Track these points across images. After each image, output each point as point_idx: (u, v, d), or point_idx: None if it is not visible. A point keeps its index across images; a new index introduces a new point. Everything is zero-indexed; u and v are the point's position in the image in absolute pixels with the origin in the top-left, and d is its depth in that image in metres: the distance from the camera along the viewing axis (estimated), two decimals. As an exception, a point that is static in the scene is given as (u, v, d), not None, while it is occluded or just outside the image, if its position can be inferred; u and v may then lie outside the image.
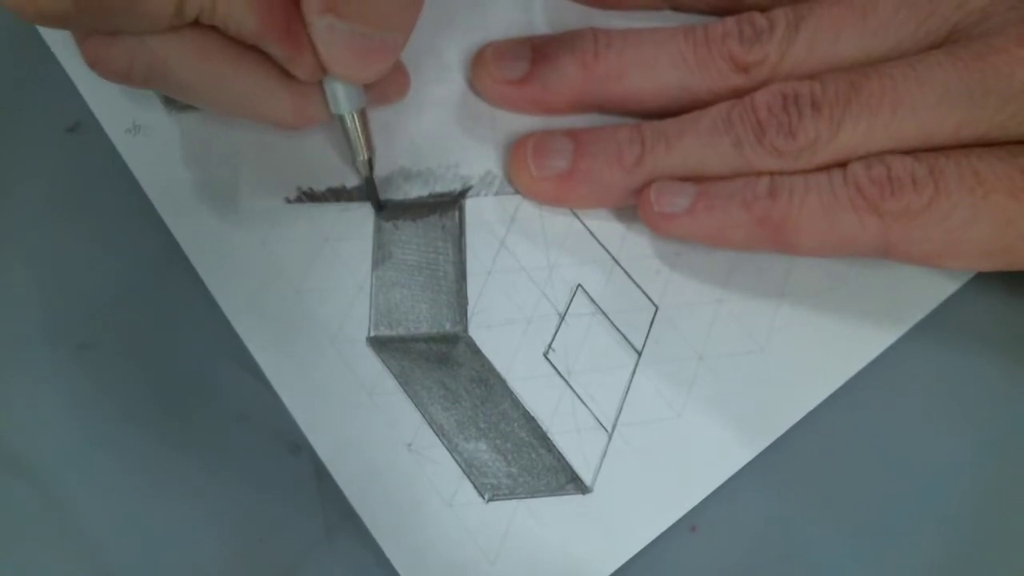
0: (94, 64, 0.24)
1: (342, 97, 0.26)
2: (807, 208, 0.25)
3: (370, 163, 0.27)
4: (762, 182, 0.25)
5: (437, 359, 0.27)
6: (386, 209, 0.28)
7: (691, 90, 0.27)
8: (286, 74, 0.25)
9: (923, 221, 0.24)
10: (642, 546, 0.25)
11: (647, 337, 0.27)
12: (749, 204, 0.25)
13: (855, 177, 0.25)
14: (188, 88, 0.25)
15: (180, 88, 0.25)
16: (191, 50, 0.24)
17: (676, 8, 0.30)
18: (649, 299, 0.28)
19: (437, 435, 0.26)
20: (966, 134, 0.25)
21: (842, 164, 0.25)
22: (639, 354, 0.27)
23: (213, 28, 0.23)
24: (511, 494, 0.26)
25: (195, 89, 0.25)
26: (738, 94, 0.26)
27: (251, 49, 0.24)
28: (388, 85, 0.28)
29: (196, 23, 0.23)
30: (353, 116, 0.26)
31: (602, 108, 0.29)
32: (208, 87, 0.25)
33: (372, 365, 0.27)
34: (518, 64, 0.28)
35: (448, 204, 0.29)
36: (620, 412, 0.26)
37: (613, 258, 0.28)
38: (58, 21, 0.22)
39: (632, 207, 0.27)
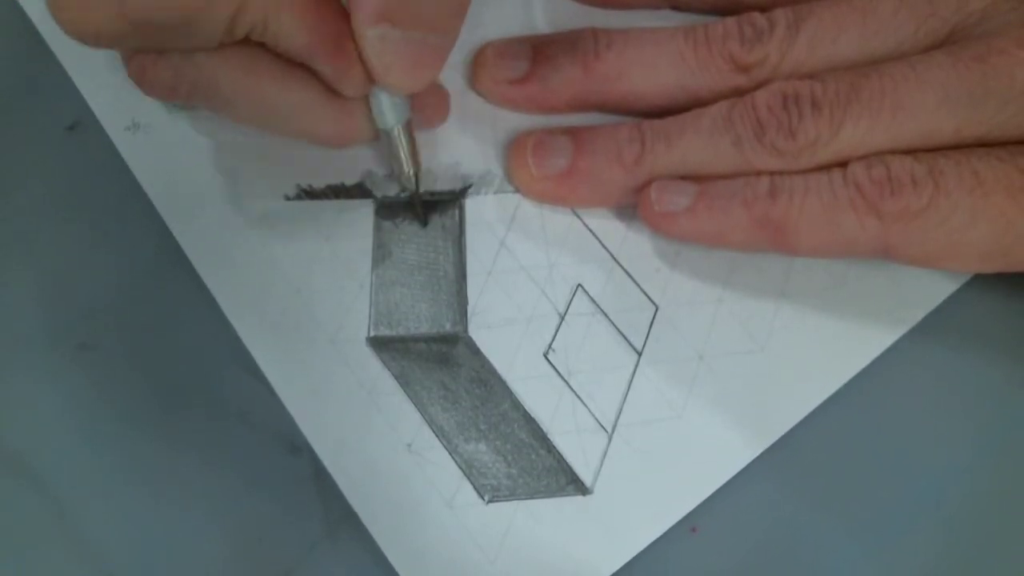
0: (140, 80, 0.24)
1: (388, 110, 0.26)
2: (807, 209, 0.25)
3: (416, 177, 0.27)
4: (762, 182, 0.25)
5: (437, 359, 0.27)
6: (387, 208, 0.28)
7: (691, 90, 0.27)
8: (330, 91, 0.25)
9: (922, 222, 0.24)
10: (642, 547, 0.25)
11: (647, 337, 0.27)
12: (749, 204, 0.25)
13: (855, 177, 0.25)
14: (232, 105, 0.25)
15: (224, 104, 0.25)
16: (237, 67, 0.24)
17: (676, 7, 0.30)
18: (649, 299, 0.28)
19: (437, 436, 0.26)
20: (966, 135, 0.25)
21: (842, 164, 0.25)
22: (639, 354, 0.27)
23: (261, 45, 0.23)
24: (511, 495, 0.26)
25: (239, 106, 0.25)
26: (738, 94, 0.26)
27: (297, 66, 0.24)
28: (430, 107, 0.28)
29: (244, 40, 0.23)
30: (399, 130, 0.26)
31: (602, 108, 0.29)
32: (252, 104, 0.25)
33: (372, 365, 0.27)
34: (518, 64, 0.28)
35: (448, 203, 0.29)
36: (620, 412, 0.26)
37: (613, 257, 0.28)
38: (112, 41, 0.22)
39: (632, 206, 0.27)
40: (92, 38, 0.22)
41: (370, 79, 0.24)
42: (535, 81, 0.28)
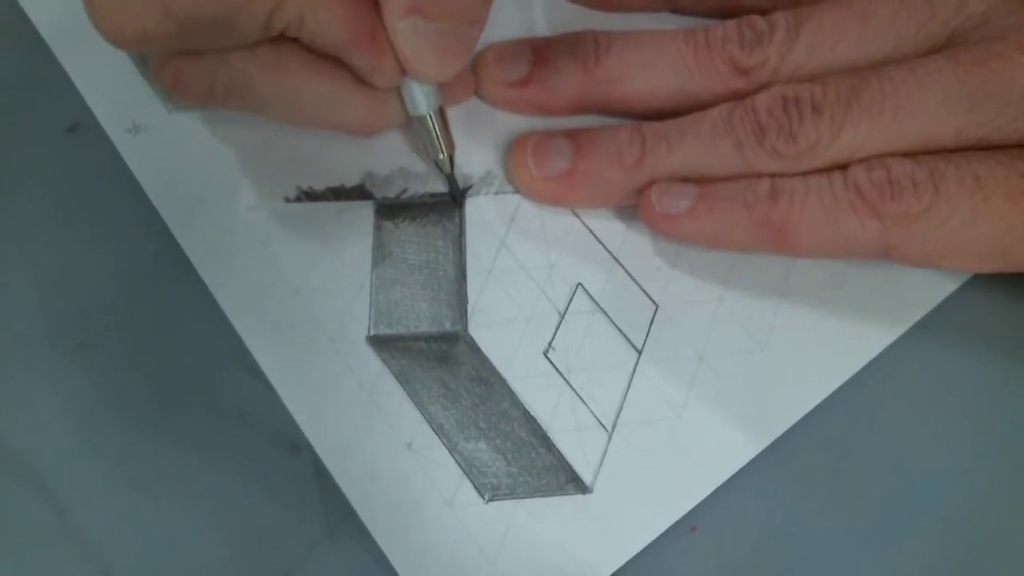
0: (175, 86, 0.25)
1: (420, 98, 0.26)
2: (807, 211, 0.25)
3: (451, 160, 0.27)
4: (763, 184, 0.25)
5: (437, 358, 0.27)
6: (387, 208, 0.28)
7: (691, 93, 0.27)
8: (362, 81, 0.25)
9: (923, 224, 0.24)
10: (642, 546, 0.25)
11: (647, 336, 0.27)
12: (750, 206, 0.25)
13: (855, 180, 0.25)
14: (267, 102, 0.25)
15: (259, 103, 0.26)
16: (271, 65, 0.24)
17: (675, 11, 0.30)
18: (649, 298, 0.28)
19: (437, 435, 0.26)
20: (966, 137, 0.25)
21: (842, 167, 0.25)
22: (639, 353, 0.27)
23: (294, 41, 0.24)
24: (511, 494, 0.26)
25: (274, 102, 0.25)
26: (738, 97, 0.26)
27: (328, 59, 0.24)
28: (456, 84, 0.28)
29: (277, 37, 0.24)
30: (432, 116, 0.26)
31: (602, 110, 0.29)
32: (287, 100, 0.25)
33: (372, 365, 0.27)
34: (518, 66, 0.28)
35: (448, 203, 0.29)
36: (620, 411, 0.26)
37: (613, 257, 0.28)
38: (156, 42, 0.23)
39: (632, 206, 0.27)
40: (135, 42, 0.22)
41: (402, 70, 0.25)
42: (535, 84, 0.28)
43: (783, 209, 0.25)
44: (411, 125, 0.27)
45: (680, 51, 0.27)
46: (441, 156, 0.27)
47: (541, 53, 0.28)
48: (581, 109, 0.29)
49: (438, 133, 0.27)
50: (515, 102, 0.29)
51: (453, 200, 0.29)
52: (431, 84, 0.26)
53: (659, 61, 0.27)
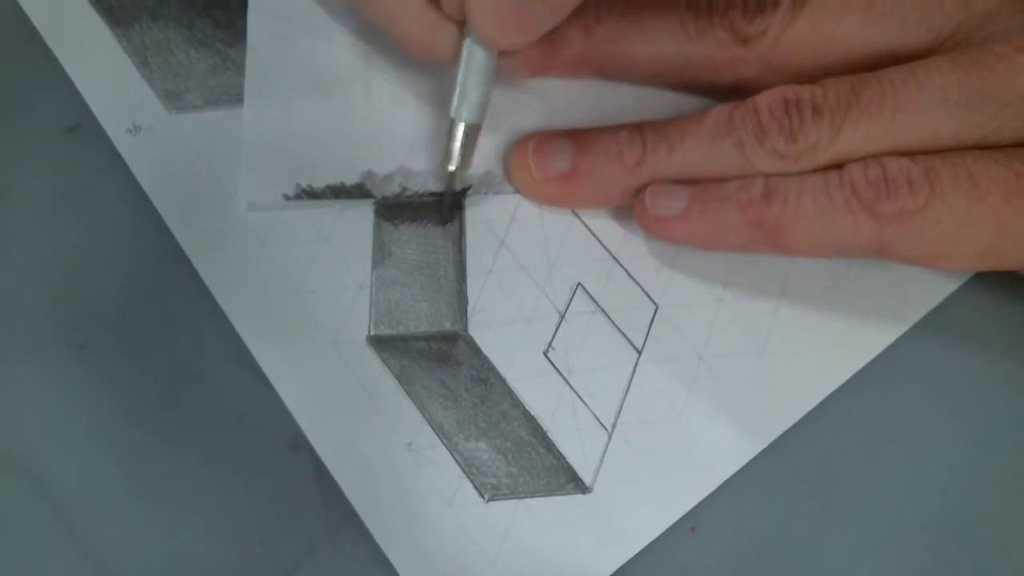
0: None
1: (466, 100, 0.26)
2: (802, 211, 0.25)
3: (454, 176, 0.27)
4: (757, 184, 0.25)
5: (437, 358, 0.27)
6: (387, 208, 0.28)
7: (690, 58, 0.27)
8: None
9: (918, 223, 0.24)
10: (642, 546, 0.25)
11: (647, 336, 0.27)
12: (744, 207, 0.25)
13: (851, 178, 0.25)
14: None
15: None
16: None
17: None
18: (649, 298, 0.28)
19: (437, 435, 0.26)
20: (965, 139, 0.25)
21: (839, 166, 0.25)
22: (639, 353, 0.27)
23: None
24: (511, 494, 0.26)
25: None
26: (737, 66, 0.27)
27: None
28: (525, 61, 0.28)
29: None
30: (463, 128, 0.26)
31: (601, 71, 0.29)
32: None
33: (372, 365, 0.27)
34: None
35: (439, 195, 0.29)
36: (620, 411, 0.26)
37: (613, 257, 0.28)
38: None
39: (632, 206, 0.27)
40: None
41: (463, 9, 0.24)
42: (537, 43, 0.28)
43: (777, 209, 0.25)
44: (451, 69, 0.26)
45: (682, 15, 0.27)
46: (450, 168, 0.27)
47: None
48: (581, 68, 0.28)
49: (459, 145, 0.26)
50: (516, 62, 0.28)
51: (440, 213, 0.28)
52: (488, 46, 0.25)
53: (660, 23, 0.27)
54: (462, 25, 0.26)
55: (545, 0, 0.23)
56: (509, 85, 0.29)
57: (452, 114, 0.26)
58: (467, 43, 0.26)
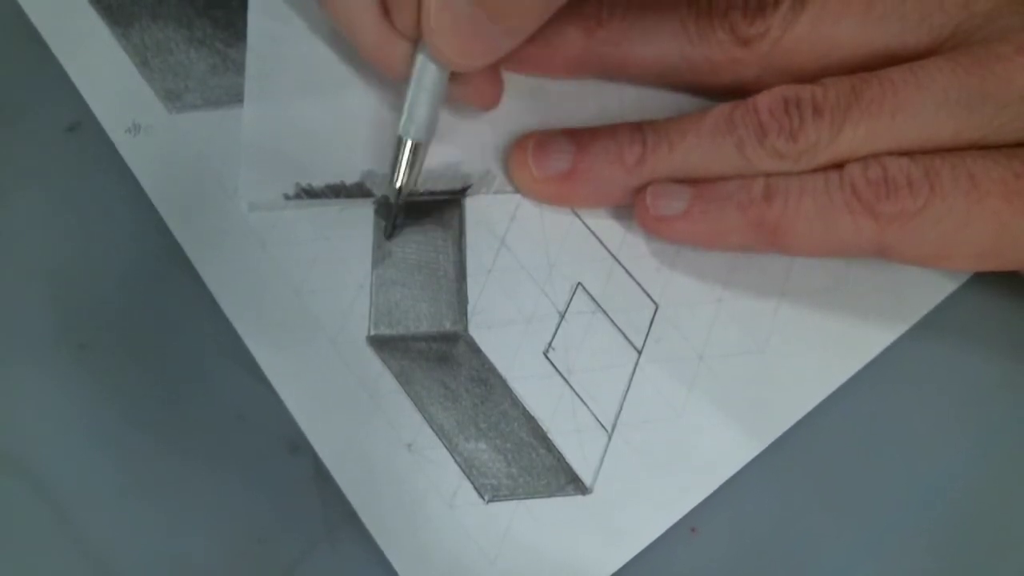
0: None
1: (414, 118, 0.26)
2: (802, 211, 0.25)
3: (399, 191, 0.27)
4: (757, 184, 0.25)
5: (437, 358, 0.27)
6: (386, 208, 0.28)
7: (691, 60, 0.27)
8: (386, 12, 0.25)
9: (918, 223, 0.24)
10: (642, 547, 0.25)
11: (647, 336, 0.27)
12: (744, 207, 0.25)
13: (851, 179, 0.25)
14: None
15: None
16: None
17: None
18: (649, 297, 0.28)
19: (437, 435, 0.26)
20: (964, 138, 0.25)
21: (839, 166, 0.25)
22: (639, 353, 0.27)
23: None
24: (511, 495, 0.26)
25: None
26: (738, 67, 0.27)
27: None
28: (479, 89, 0.27)
29: None
30: (410, 145, 0.26)
31: (602, 72, 0.29)
32: None
33: (372, 365, 0.27)
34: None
35: (448, 203, 0.29)
36: (620, 411, 0.26)
37: (613, 256, 0.28)
38: None
39: (632, 206, 0.27)
40: None
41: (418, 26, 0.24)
42: (537, 40, 0.27)
43: (778, 209, 0.25)
44: (402, 82, 0.26)
45: (682, 16, 0.27)
46: (396, 184, 0.27)
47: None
48: (581, 70, 0.28)
49: (405, 161, 0.26)
50: (516, 61, 0.28)
51: (385, 225, 0.28)
52: (443, 65, 0.25)
53: (661, 25, 0.27)
54: (416, 42, 0.26)
55: (505, 23, 0.23)
56: (460, 107, 0.29)
57: (400, 131, 0.26)
58: (419, 60, 0.26)
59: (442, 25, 0.23)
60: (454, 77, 0.26)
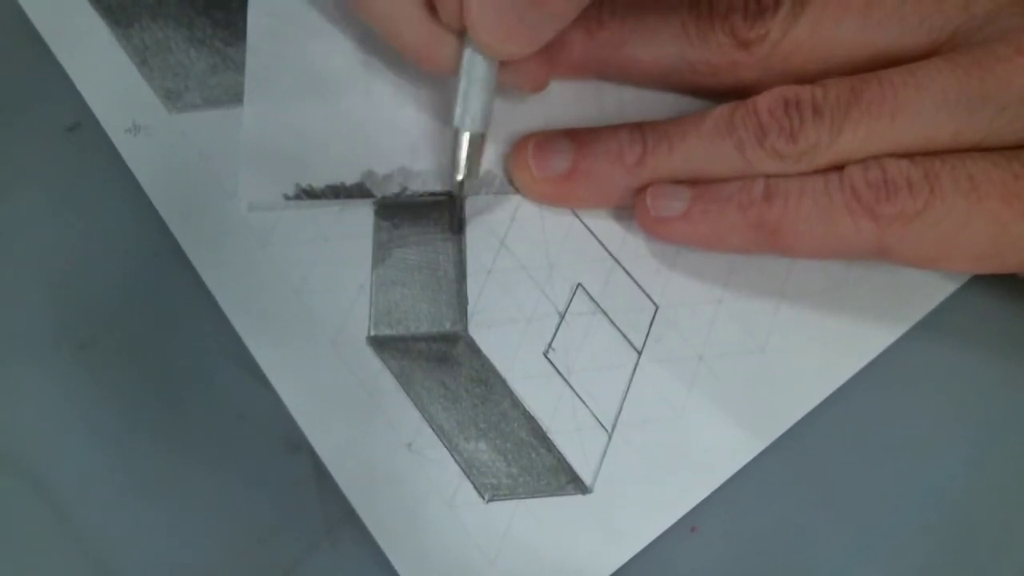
0: None
1: (469, 110, 0.26)
2: (803, 212, 0.25)
3: (462, 185, 0.27)
4: (758, 185, 0.25)
5: (437, 358, 0.27)
6: (387, 208, 0.28)
7: (691, 63, 0.27)
8: (431, 11, 0.25)
9: (917, 225, 0.24)
10: (642, 546, 0.25)
11: (647, 336, 0.27)
12: (744, 208, 0.25)
13: (851, 180, 0.25)
14: None
15: None
16: None
17: None
18: (649, 298, 0.28)
19: (437, 435, 0.26)
20: (964, 140, 0.25)
21: (839, 167, 0.25)
22: (639, 353, 0.27)
23: None
24: (511, 494, 0.26)
25: None
26: (738, 70, 0.27)
27: None
28: (528, 74, 0.27)
29: None
30: (467, 137, 0.26)
31: (602, 74, 0.29)
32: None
33: (372, 365, 0.27)
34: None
35: (448, 203, 0.29)
36: (620, 412, 0.26)
37: (613, 257, 0.28)
38: None
39: (632, 206, 0.27)
40: None
41: (462, 17, 0.24)
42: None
43: (778, 210, 0.25)
44: (454, 78, 0.26)
45: (683, 19, 0.27)
46: (458, 177, 0.27)
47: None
48: (582, 71, 0.29)
49: (465, 154, 0.26)
50: (520, 70, 0.28)
51: (451, 223, 0.28)
52: (488, 55, 0.25)
53: (661, 27, 0.27)
54: (462, 35, 0.26)
55: (547, 8, 0.23)
56: (510, 95, 0.29)
57: (456, 124, 0.26)
58: (467, 52, 0.26)
59: (485, 15, 0.23)
60: (503, 64, 0.26)
